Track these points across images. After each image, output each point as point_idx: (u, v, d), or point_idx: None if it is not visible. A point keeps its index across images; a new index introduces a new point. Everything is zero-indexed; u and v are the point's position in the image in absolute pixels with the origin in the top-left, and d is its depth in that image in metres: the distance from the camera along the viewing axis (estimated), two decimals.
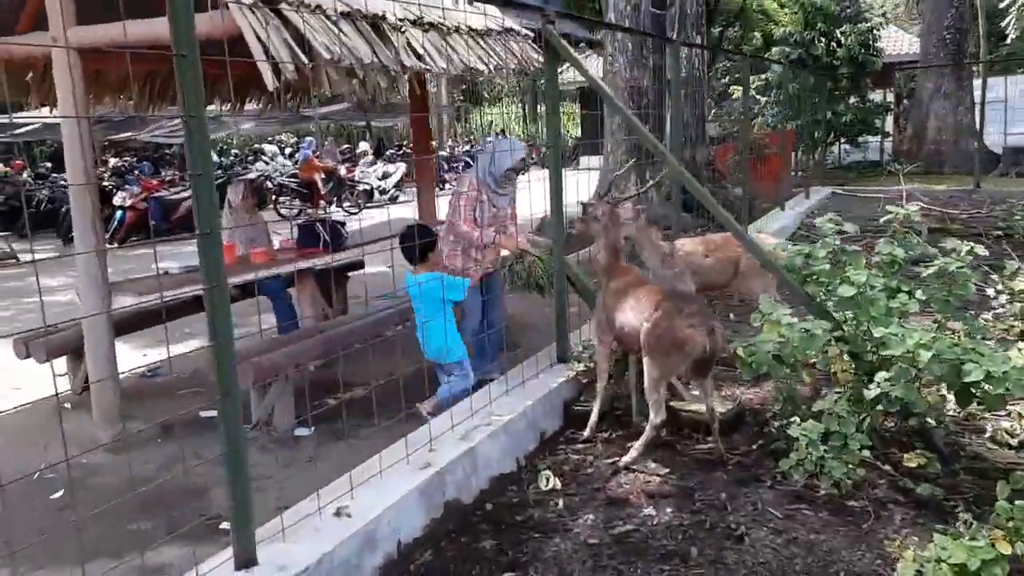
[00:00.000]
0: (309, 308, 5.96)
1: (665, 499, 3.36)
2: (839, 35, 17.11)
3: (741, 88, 11.74)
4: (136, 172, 16.56)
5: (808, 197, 12.52)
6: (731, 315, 6.06)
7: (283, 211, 17.17)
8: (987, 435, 3.64)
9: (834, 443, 3.14)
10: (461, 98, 40.22)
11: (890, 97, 19.28)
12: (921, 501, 3.13)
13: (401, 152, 24.43)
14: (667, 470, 3.64)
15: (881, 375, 3.24)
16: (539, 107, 42.33)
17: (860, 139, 17.57)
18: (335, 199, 18.00)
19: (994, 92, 16.90)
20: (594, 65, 22.52)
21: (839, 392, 3.57)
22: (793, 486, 3.33)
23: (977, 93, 16.52)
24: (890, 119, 18.65)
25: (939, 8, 16.95)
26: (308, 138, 21.41)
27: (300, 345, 4.77)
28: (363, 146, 23.56)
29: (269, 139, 26.13)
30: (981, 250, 3.56)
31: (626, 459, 3.69)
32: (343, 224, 6.16)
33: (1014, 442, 3.53)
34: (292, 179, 17.75)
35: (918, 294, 3.49)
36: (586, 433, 4.04)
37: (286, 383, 4.55)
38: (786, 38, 17.63)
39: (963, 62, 16.62)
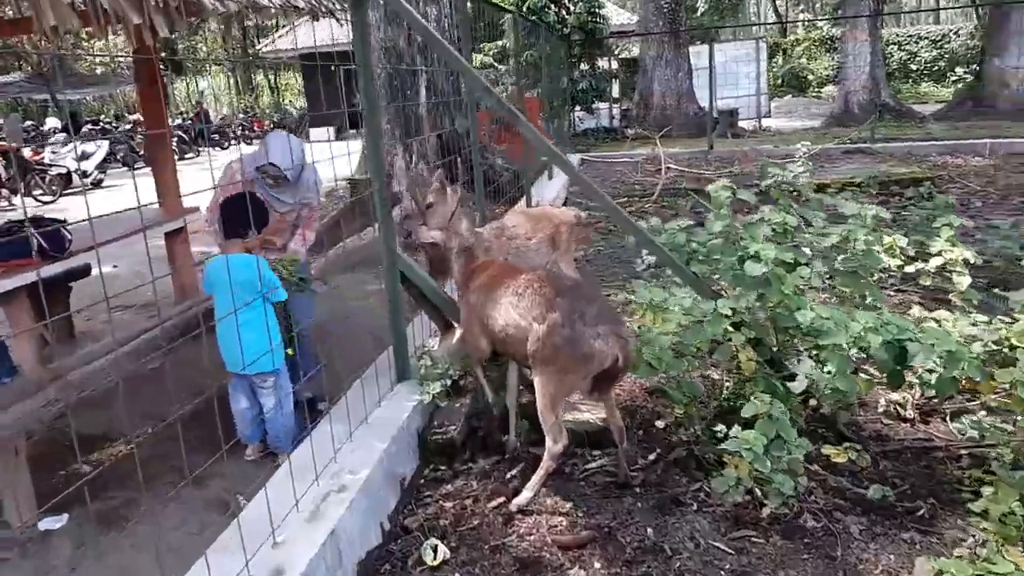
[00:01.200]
0: (27, 343, 4.40)
1: (586, 550, 2.70)
2: (567, 3, 17.45)
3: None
4: None
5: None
6: None
7: None
8: (880, 410, 3.44)
9: (776, 452, 2.68)
10: (162, 67, 35.88)
11: (615, 65, 20.23)
12: (869, 505, 2.79)
13: (100, 128, 21.04)
14: (569, 504, 2.98)
15: (806, 365, 2.84)
16: (253, 79, 39.41)
17: (593, 106, 18.20)
18: (21, 186, 14.86)
19: (702, 60, 18.41)
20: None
21: (743, 386, 3.15)
22: (722, 505, 2.84)
23: (698, 60, 17.88)
24: (616, 86, 19.59)
25: None
26: None
27: (28, 401, 3.37)
28: (51, 122, 19.96)
29: None
30: (885, 213, 3.31)
31: (519, 500, 2.97)
32: (62, 222, 4.62)
33: (909, 415, 3.36)
34: None
35: (817, 266, 3.14)
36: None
37: (15, 460, 3.17)
38: (518, 5, 17.60)
39: (679, 30, 17.80)
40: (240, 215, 3.44)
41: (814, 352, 3.11)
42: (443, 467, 3.37)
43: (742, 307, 3.03)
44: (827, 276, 3.17)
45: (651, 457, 3.27)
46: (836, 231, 3.16)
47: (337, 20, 4.87)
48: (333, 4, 4.46)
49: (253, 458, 3.81)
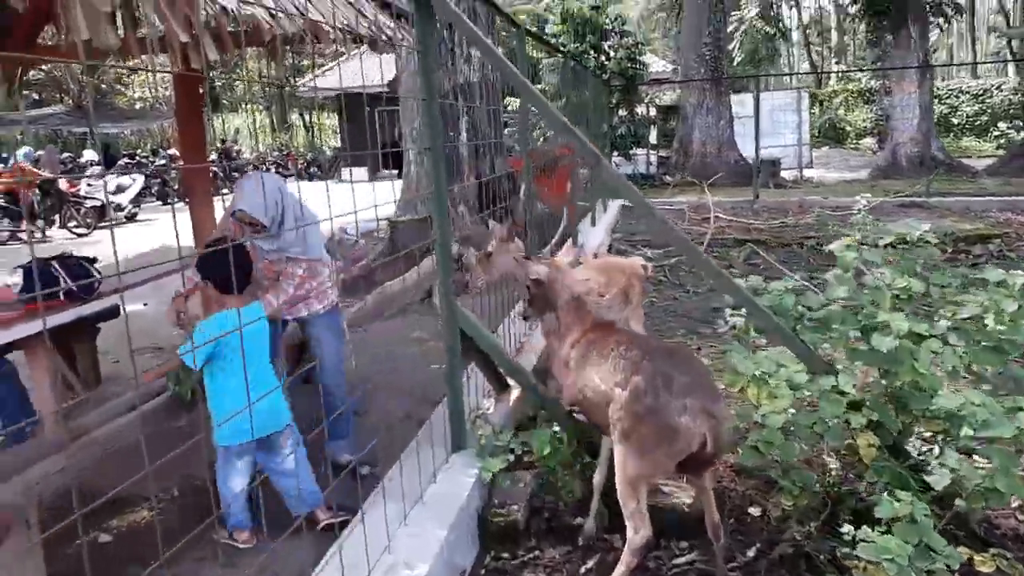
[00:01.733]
0: (49, 391, 4.06)
1: None
2: (607, 48, 17.33)
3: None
4: None
5: (605, 210, 12.21)
6: None
7: None
8: (1015, 504, 2.97)
9: (920, 562, 2.22)
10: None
11: (653, 112, 20.04)
12: None
13: (136, 162, 21.16)
14: None
15: (951, 457, 2.39)
16: (289, 115, 39.88)
17: (631, 152, 17.94)
18: (56, 217, 14.80)
19: (743, 109, 18.13)
20: (375, 63, 21.07)
21: (860, 474, 2.71)
22: None
23: (740, 108, 17.58)
24: (654, 132, 19.36)
25: (697, 28, 17.80)
26: (26, 148, 17.60)
27: (44, 462, 3.00)
28: (88, 155, 20.08)
29: None
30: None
31: None
32: (92, 261, 4.31)
33: None
34: None
35: (952, 340, 2.70)
36: None
37: (25, 536, 2.78)
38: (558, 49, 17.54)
39: (721, 77, 17.59)
40: (222, 265, 3.01)
41: (944, 439, 2.68)
42: (505, 555, 2.94)
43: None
44: (962, 352, 2.72)
45: (750, 553, 2.82)
46: (974, 299, 2.73)
47: (395, 50, 4.58)
48: (394, 32, 4.16)
49: (249, 545, 3.31)
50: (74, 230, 14.57)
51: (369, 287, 7.55)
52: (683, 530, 2.93)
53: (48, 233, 14.63)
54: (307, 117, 37.37)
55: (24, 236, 14.11)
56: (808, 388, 2.58)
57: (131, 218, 16.59)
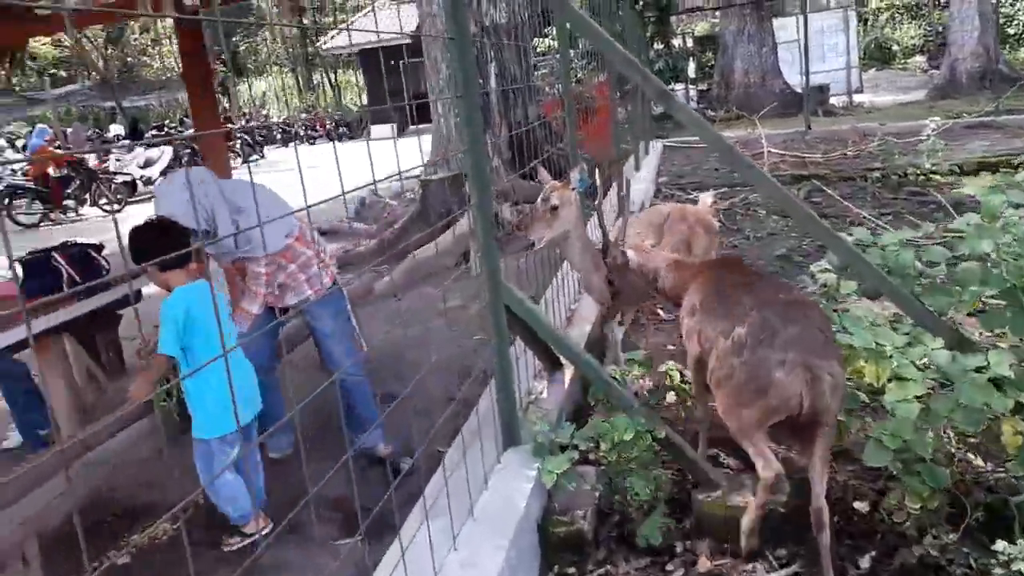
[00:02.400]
0: (62, 392, 3.75)
1: None
2: None
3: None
4: None
5: (648, 152, 11.55)
6: None
7: (22, 218, 13.65)
8: None
9: None
10: (222, 68, 36.04)
11: (690, 43, 19.03)
12: None
13: (164, 134, 20.92)
14: None
15: None
16: (314, 76, 39.23)
17: (670, 88, 17.03)
18: (87, 196, 14.63)
19: (785, 34, 17.08)
20: (394, 15, 20.40)
21: (1010, 471, 2.22)
22: None
23: (782, 33, 16.55)
24: (692, 65, 18.40)
25: None
26: (40, 125, 17.45)
27: (48, 483, 2.66)
28: (114, 129, 19.90)
29: None
30: None
31: None
32: (99, 248, 3.94)
33: None
34: (27, 177, 14.13)
35: None
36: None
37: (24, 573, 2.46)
38: None
39: (763, 1, 16.53)
40: (156, 242, 2.76)
41: None
42: (571, 570, 2.54)
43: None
44: None
45: (864, 563, 2.36)
46: None
47: None
48: None
49: (267, 528, 3.05)
50: (105, 207, 14.40)
51: (402, 252, 7.13)
52: (781, 535, 2.49)
53: (80, 211, 14.49)
54: (332, 76, 36.73)
55: (55, 218, 14.00)
56: (948, 370, 2.08)
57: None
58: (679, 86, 17.75)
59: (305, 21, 36.21)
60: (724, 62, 17.39)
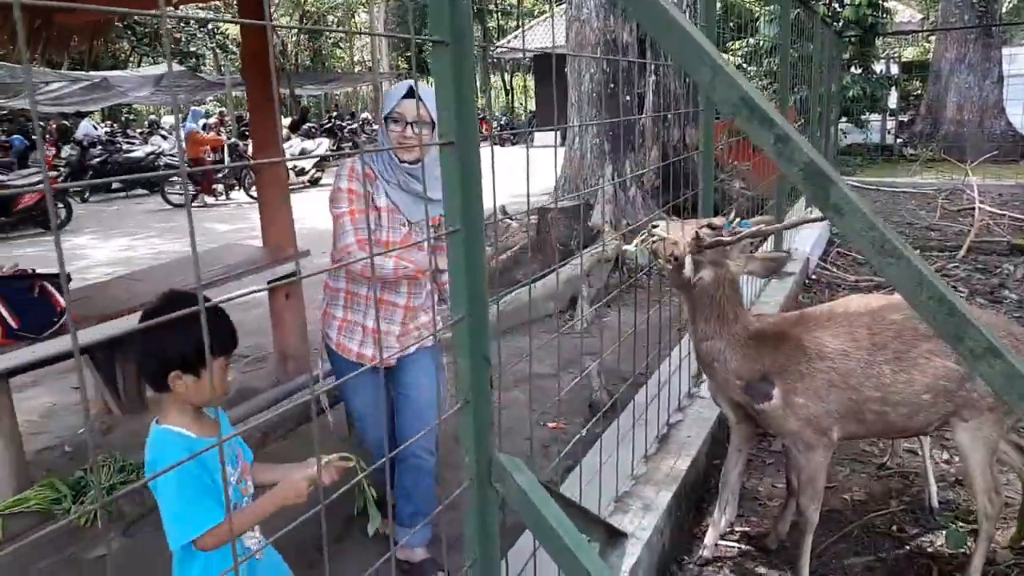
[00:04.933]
0: (1, 449, 3.00)
1: None
2: None
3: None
4: None
5: None
6: None
7: (173, 198, 13.98)
8: None
9: None
10: (405, 65, 36.82)
11: (894, 69, 16.66)
12: None
13: (329, 125, 21.21)
14: None
15: None
16: (491, 77, 39.24)
17: (864, 118, 14.93)
18: (236, 181, 14.83)
19: (1015, 65, 14.48)
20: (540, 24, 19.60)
21: None
22: None
23: (1011, 66, 14.06)
24: (894, 94, 16.08)
25: None
26: (195, 108, 18.03)
27: None
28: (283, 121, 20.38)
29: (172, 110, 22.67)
30: None
31: None
32: (66, 279, 3.17)
33: None
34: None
35: None
36: None
37: None
38: None
39: (993, 25, 14.02)
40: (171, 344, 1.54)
41: None
42: None
43: None
44: None
45: None
46: None
47: None
48: None
49: None
50: (252, 194, 14.49)
51: (507, 285, 6.08)
52: None
53: (230, 196, 14.70)
54: (506, 79, 36.55)
55: (207, 200, 14.25)
56: None
57: (314, 182, 16.41)
58: (876, 116, 15.55)
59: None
60: (934, 93, 14.99)
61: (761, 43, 14.39)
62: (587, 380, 4.40)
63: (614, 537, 2.27)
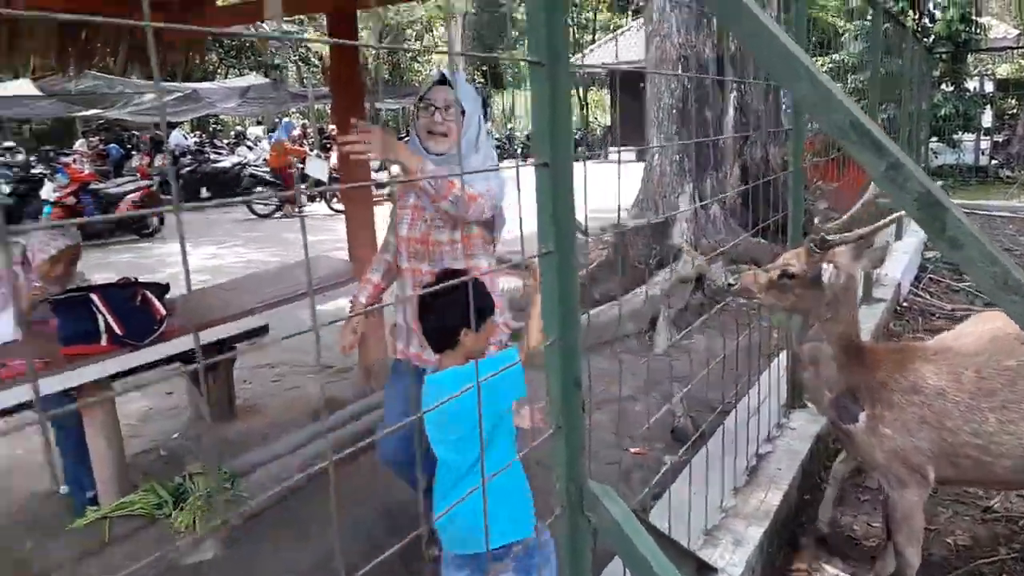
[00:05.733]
0: (103, 451, 3.13)
1: None
2: (931, 5, 13.89)
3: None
4: (68, 159, 13.84)
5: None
6: None
7: (259, 208, 14.42)
8: None
9: None
10: (481, 80, 37.20)
11: (989, 87, 15.94)
12: None
13: (407, 139, 21.57)
14: None
15: None
16: (591, 90, 39.26)
17: (956, 137, 14.31)
18: (319, 193, 15.19)
19: None
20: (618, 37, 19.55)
21: None
22: None
23: None
24: (989, 113, 15.37)
25: None
26: (286, 119, 18.58)
27: None
28: None
29: (258, 120, 23.43)
30: None
31: None
32: (164, 288, 3.30)
33: None
34: (267, 168, 14.97)
35: None
36: None
37: None
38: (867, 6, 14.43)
39: None
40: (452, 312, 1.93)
41: None
42: None
43: None
44: None
45: None
46: None
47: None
48: None
49: None
50: (334, 206, 14.82)
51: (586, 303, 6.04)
52: None
53: (310, 207, 15.07)
54: (582, 93, 36.53)
55: (289, 210, 14.63)
56: None
57: (391, 196, 16.69)
58: (969, 136, 14.91)
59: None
60: None
61: (846, 59, 14.00)
62: (669, 404, 4.33)
63: (704, 572, 2.22)
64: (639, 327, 5.76)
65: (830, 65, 14.76)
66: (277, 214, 14.50)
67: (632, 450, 3.90)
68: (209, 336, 3.53)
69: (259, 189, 14.70)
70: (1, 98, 15.49)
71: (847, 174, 9.13)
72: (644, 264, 6.42)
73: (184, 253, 0.74)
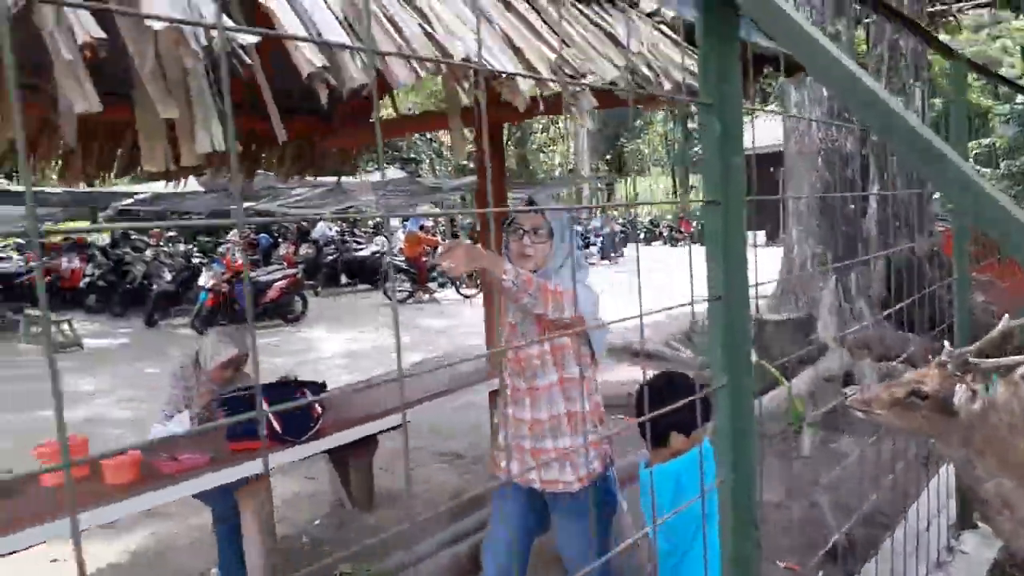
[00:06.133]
0: (257, 546, 3.27)
1: None
2: None
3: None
4: (224, 250, 14.99)
5: None
6: None
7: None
8: None
9: None
10: (605, 168, 37.84)
11: None
12: None
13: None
14: None
15: None
16: (690, 177, 39.21)
17: None
18: (448, 280, 15.71)
19: None
20: (762, 124, 19.45)
21: None
22: None
23: None
24: None
25: None
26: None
27: None
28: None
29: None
30: None
31: None
32: (322, 386, 3.46)
33: None
34: (401, 258, 15.66)
35: None
36: None
37: None
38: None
39: None
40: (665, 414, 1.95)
41: None
42: None
43: None
44: None
45: None
46: None
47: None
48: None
49: None
50: (462, 291, 15.25)
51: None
52: None
53: (440, 293, 15.56)
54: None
55: (423, 296, 15.16)
56: None
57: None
58: None
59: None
60: None
61: (995, 143, 13.33)
62: (818, 514, 4.08)
63: None
64: (781, 427, 5.50)
65: (978, 149, 14.07)
66: (410, 300, 15.05)
67: (782, 564, 3.67)
68: (356, 434, 3.66)
69: (397, 275, 15.35)
70: (169, 195, 17.16)
71: (1008, 267, 8.52)
72: (786, 361, 6.17)
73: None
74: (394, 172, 22.33)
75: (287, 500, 4.91)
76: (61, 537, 2.65)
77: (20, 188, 14.11)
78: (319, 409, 3.17)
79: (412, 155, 30.80)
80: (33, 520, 2.56)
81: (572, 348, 2.45)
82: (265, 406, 3.01)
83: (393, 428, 4.00)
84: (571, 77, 2.25)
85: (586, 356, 2.49)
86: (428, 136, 29.43)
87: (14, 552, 2.60)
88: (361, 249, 17.45)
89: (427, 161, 30.87)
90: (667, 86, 2.10)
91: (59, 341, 11.21)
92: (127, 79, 1.23)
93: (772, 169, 7.80)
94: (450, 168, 31.06)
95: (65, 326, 11.50)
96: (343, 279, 17.42)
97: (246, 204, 19.22)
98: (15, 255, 18.48)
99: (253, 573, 3.30)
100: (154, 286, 13.62)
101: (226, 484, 3.01)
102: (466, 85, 1.64)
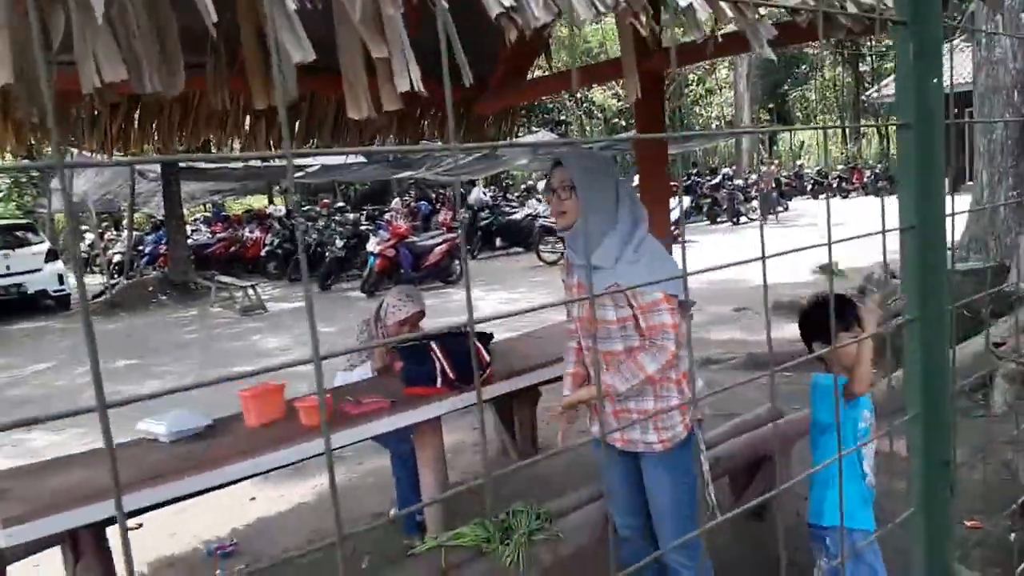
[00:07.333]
0: (431, 484, 3.49)
1: None
2: None
3: None
4: (388, 217, 15.71)
5: None
6: None
7: (546, 255, 15.23)
8: None
9: None
10: (766, 117, 36.00)
11: None
12: None
13: (688, 183, 21.48)
14: None
15: None
16: (860, 119, 36.56)
17: None
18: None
19: None
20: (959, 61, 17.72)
21: None
22: None
23: None
24: None
25: None
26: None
27: None
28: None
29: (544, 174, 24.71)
30: None
31: None
32: (489, 337, 3.60)
33: None
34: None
35: None
36: None
37: None
38: None
39: None
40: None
41: None
42: None
43: None
44: None
45: None
46: None
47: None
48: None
49: None
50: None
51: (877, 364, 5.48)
52: None
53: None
54: (883, 129, 33.73)
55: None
56: None
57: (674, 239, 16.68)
58: None
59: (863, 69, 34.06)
60: None
61: None
62: (1009, 473, 3.80)
63: None
64: (968, 385, 5.10)
65: None
66: (561, 261, 15.15)
67: (967, 523, 3.44)
68: (521, 382, 3.78)
69: (548, 238, 15.51)
70: (336, 166, 18.17)
71: None
72: (974, 313, 5.69)
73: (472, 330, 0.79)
74: (544, 135, 22.41)
75: (454, 448, 5.15)
76: (257, 478, 2.94)
77: (204, 165, 15.40)
78: (487, 357, 3.30)
79: (562, 117, 30.75)
80: (238, 457, 2.84)
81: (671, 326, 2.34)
82: (440, 354, 3.18)
83: (556, 379, 4.10)
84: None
85: (681, 326, 2.35)
86: (579, 95, 29.20)
87: (223, 486, 2.91)
88: (514, 213, 17.72)
89: (575, 122, 30.69)
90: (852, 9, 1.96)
91: (245, 305, 12.27)
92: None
93: (956, 111, 7.14)
94: (600, 127, 30.75)
95: (251, 291, 12.57)
96: (498, 242, 17.81)
97: (406, 173, 19.98)
98: (203, 227, 20.33)
99: (429, 513, 3.51)
100: (327, 253, 14.55)
101: (404, 427, 3.22)
102: (643, 19, 1.62)
